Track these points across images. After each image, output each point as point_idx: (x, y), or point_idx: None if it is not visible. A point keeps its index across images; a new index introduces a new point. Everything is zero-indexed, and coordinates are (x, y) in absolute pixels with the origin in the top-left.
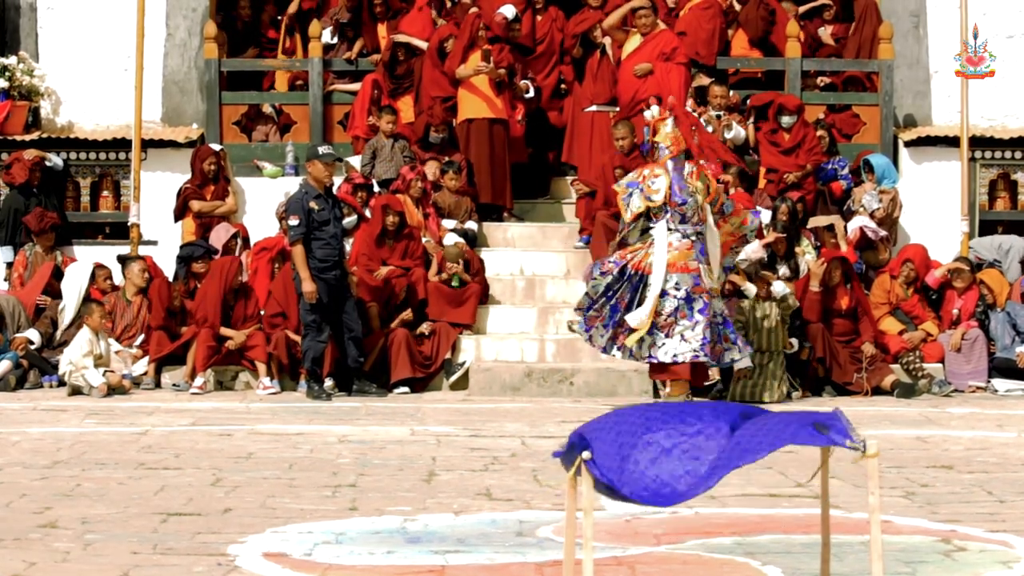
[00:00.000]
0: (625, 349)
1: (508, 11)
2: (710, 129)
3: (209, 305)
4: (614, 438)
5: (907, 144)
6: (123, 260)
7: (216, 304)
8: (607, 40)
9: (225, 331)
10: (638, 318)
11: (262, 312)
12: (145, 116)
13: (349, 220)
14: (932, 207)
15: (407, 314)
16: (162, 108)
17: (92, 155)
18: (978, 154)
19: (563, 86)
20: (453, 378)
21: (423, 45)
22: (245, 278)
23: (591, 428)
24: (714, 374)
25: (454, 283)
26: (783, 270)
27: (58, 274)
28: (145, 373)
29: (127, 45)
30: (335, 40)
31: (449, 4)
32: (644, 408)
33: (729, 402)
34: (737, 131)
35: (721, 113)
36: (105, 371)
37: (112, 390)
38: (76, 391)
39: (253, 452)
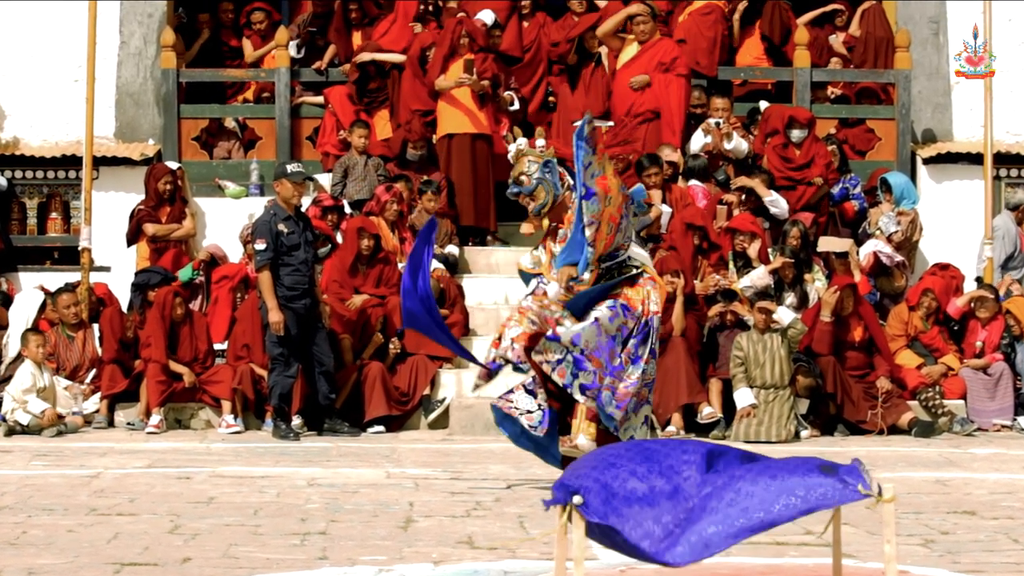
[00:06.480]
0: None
1: (487, 16)
2: (709, 139)
3: (153, 340)
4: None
5: (926, 161)
6: (50, 293)
7: (160, 338)
8: (603, 49)
9: (175, 367)
10: None
11: (219, 347)
12: (97, 131)
13: (324, 250)
14: (953, 230)
15: (379, 340)
16: (115, 122)
17: (39, 174)
18: (1003, 172)
19: (551, 99)
20: (432, 416)
21: (395, 58)
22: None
23: (571, 475)
24: (715, 411)
25: None
26: (790, 299)
27: (5, 301)
28: (97, 411)
29: (77, 54)
30: (301, 54)
31: (430, 7)
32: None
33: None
34: (738, 143)
35: (720, 121)
36: (44, 409)
37: (43, 429)
38: (12, 431)
39: (214, 496)
